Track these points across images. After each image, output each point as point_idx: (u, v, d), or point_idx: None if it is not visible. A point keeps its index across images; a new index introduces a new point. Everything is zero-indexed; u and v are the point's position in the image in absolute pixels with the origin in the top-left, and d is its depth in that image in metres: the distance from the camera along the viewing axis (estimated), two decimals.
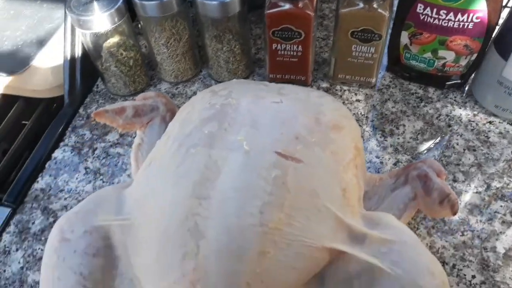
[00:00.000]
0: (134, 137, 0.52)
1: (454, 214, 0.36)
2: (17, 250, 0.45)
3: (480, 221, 0.44)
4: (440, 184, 0.39)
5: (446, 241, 0.43)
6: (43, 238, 0.46)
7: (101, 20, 0.48)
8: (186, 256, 0.30)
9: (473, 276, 0.41)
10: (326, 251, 0.32)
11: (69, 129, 0.55)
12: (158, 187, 0.34)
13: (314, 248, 0.31)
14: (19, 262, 0.44)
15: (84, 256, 0.34)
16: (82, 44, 0.55)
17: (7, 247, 0.46)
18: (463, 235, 0.43)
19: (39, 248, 0.45)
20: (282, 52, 0.52)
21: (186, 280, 0.29)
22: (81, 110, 0.57)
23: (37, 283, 0.43)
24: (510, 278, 0.40)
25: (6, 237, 0.46)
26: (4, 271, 0.44)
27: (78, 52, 0.55)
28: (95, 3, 0.48)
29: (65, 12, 0.52)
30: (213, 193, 0.31)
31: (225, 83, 0.43)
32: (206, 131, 0.35)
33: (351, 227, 0.33)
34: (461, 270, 0.41)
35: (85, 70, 0.57)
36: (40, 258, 0.44)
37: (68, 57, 0.55)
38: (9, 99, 0.60)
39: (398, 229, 0.34)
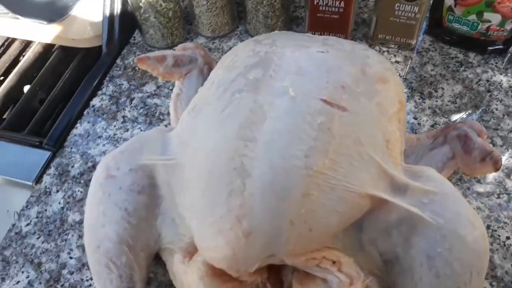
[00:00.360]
0: (171, 89, 0.53)
1: (497, 170, 0.36)
2: (57, 191, 0.47)
3: None
4: (481, 143, 0.39)
5: (482, 203, 0.43)
6: (82, 181, 0.47)
7: None
8: (232, 193, 0.30)
9: (508, 238, 0.41)
10: (368, 198, 0.32)
11: (107, 78, 0.55)
12: (203, 129, 0.35)
13: (356, 194, 0.31)
14: (59, 203, 0.46)
15: (129, 193, 0.35)
16: None
17: (48, 188, 0.47)
18: (498, 197, 0.43)
19: (78, 190, 0.47)
20: (324, 8, 0.51)
21: (232, 215, 0.30)
22: (118, 61, 0.57)
23: (77, 222, 0.44)
24: None
25: (46, 178, 0.48)
26: (46, 210, 0.45)
27: (118, 3, 0.56)
28: None
29: None
30: (259, 136, 0.32)
31: (268, 34, 0.43)
32: (251, 77, 0.36)
33: (393, 177, 0.33)
34: (495, 231, 0.41)
35: (123, 21, 0.57)
36: (80, 200, 0.46)
37: (108, 8, 0.55)
38: (48, 48, 0.61)
39: (440, 181, 0.34)
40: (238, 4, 0.58)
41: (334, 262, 0.32)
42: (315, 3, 0.51)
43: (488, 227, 0.42)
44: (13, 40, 0.63)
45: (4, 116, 0.58)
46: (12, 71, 0.60)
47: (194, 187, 0.33)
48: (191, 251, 0.35)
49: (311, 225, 0.30)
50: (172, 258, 0.36)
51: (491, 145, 0.38)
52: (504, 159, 0.46)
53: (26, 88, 0.60)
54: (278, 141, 0.31)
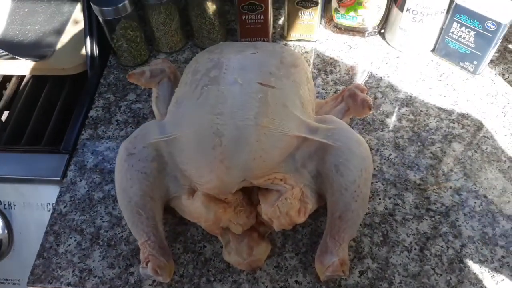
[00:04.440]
0: (147, 95, 0.71)
1: (370, 110, 0.58)
2: (80, 180, 0.64)
3: (394, 121, 0.67)
4: (362, 96, 0.61)
5: (371, 136, 0.65)
6: (97, 170, 0.65)
7: (118, 9, 0.66)
8: (214, 147, 0.50)
9: (390, 154, 0.64)
10: (295, 138, 0.52)
11: (96, 94, 0.73)
12: (187, 112, 0.54)
13: (288, 136, 0.52)
14: (84, 188, 0.63)
15: (145, 161, 0.53)
16: (98, 29, 0.72)
17: (73, 179, 0.64)
18: (382, 131, 0.66)
19: (96, 177, 0.64)
20: (249, 21, 0.72)
21: (217, 159, 0.49)
22: (102, 80, 0.75)
23: (101, 198, 0.62)
24: (413, 152, 0.63)
25: (70, 174, 0.65)
26: (76, 194, 0.63)
27: (95, 36, 0.73)
28: None
29: (84, 6, 0.70)
30: (225, 110, 0.51)
31: (216, 45, 0.62)
32: (212, 75, 0.55)
33: (308, 124, 0.54)
34: (382, 151, 0.64)
35: (100, 49, 0.74)
36: (99, 183, 0.63)
37: (88, 40, 0.72)
38: (40, 79, 0.77)
39: (338, 122, 0.55)
40: (187, 25, 0.77)
41: (281, 180, 0.52)
42: (243, 18, 0.71)
43: (377, 150, 0.64)
44: (10, 76, 0.79)
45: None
46: (13, 101, 0.75)
47: (188, 149, 0.52)
48: (191, 192, 0.54)
49: (264, 158, 0.50)
50: (180, 200, 0.54)
51: (368, 97, 0.60)
52: (384, 106, 0.69)
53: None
54: (237, 111, 0.51)
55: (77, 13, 0.80)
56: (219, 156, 0.49)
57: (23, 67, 0.74)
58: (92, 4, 0.67)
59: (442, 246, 0.55)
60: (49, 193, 0.65)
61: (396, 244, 0.55)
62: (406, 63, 0.74)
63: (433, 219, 0.57)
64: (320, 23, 0.77)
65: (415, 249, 0.55)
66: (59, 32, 0.77)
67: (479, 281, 0.52)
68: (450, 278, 0.52)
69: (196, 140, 0.51)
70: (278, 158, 0.52)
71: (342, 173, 0.51)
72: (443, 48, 0.73)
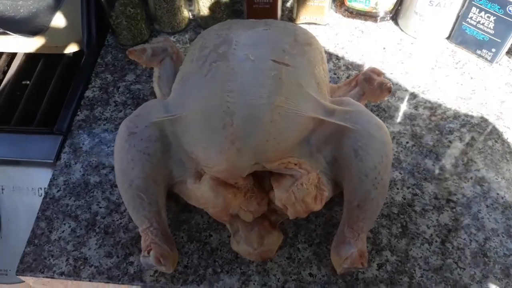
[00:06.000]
0: (148, 76, 0.67)
1: (390, 92, 0.55)
2: (75, 163, 0.59)
3: (410, 108, 0.63)
4: (379, 79, 0.57)
5: (387, 123, 0.62)
6: (94, 153, 0.60)
7: None
8: (225, 126, 0.46)
9: (407, 142, 0.60)
10: (311, 120, 0.49)
11: (93, 74, 0.68)
12: (193, 90, 0.50)
13: (303, 117, 0.48)
14: (79, 171, 0.59)
15: (148, 142, 0.49)
16: (96, 5, 0.68)
17: (67, 162, 0.59)
18: (398, 118, 0.63)
19: (92, 160, 0.59)
20: (258, 1, 0.68)
21: (228, 140, 0.45)
22: (99, 60, 0.70)
23: (98, 183, 0.57)
24: (431, 140, 0.60)
25: (64, 156, 0.60)
26: (70, 178, 0.58)
27: (93, 13, 0.68)
28: None
29: None
30: (235, 88, 0.47)
31: (223, 22, 0.58)
32: (220, 51, 0.51)
33: (325, 106, 0.50)
34: (399, 139, 0.60)
35: (98, 27, 0.70)
36: (96, 167, 0.59)
37: (85, 17, 0.68)
38: (33, 57, 0.72)
39: (355, 104, 0.52)
40: (190, 3, 0.73)
41: (295, 164, 0.48)
42: None
43: (393, 137, 0.60)
44: (1, 54, 0.74)
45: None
46: (3, 79, 0.71)
47: (196, 128, 0.48)
48: (198, 176, 0.50)
49: (278, 140, 0.46)
50: (185, 185, 0.50)
51: (386, 79, 0.56)
52: (399, 92, 0.65)
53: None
54: (249, 89, 0.47)
55: None
56: (229, 137, 0.45)
57: (14, 43, 0.69)
58: None
59: (464, 239, 0.51)
60: (41, 177, 0.60)
61: (416, 236, 0.52)
62: (421, 49, 0.71)
63: (454, 210, 0.54)
64: (331, 7, 0.74)
65: (436, 241, 0.51)
66: (54, 8, 0.72)
67: (506, 276, 0.48)
68: (474, 272, 0.49)
69: (205, 119, 0.47)
70: (293, 140, 0.48)
71: (362, 158, 0.48)
72: (459, 35, 0.70)
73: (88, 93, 0.66)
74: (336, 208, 0.54)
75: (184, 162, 0.51)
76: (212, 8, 0.69)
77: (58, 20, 0.71)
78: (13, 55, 0.74)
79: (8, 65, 0.73)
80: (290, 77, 0.49)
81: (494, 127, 0.61)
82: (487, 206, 0.54)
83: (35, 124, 0.64)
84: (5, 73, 0.72)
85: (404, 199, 0.55)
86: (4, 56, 0.73)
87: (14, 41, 0.69)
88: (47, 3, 0.74)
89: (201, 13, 0.71)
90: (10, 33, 0.67)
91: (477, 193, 0.55)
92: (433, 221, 0.53)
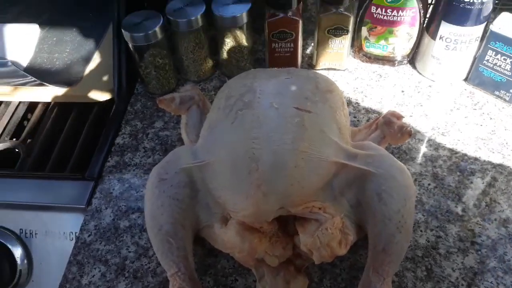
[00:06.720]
0: (176, 123, 0.70)
1: (410, 136, 0.56)
2: (106, 208, 0.62)
3: (430, 150, 0.64)
4: (399, 123, 0.59)
5: (408, 165, 0.63)
6: (123, 198, 0.62)
7: (148, 36, 0.66)
8: (250, 172, 0.47)
9: (429, 184, 0.61)
10: (333, 164, 0.50)
11: (123, 122, 0.72)
12: (220, 137, 0.52)
13: (326, 161, 0.49)
14: (110, 216, 0.61)
15: (177, 188, 0.51)
16: (126, 56, 0.72)
17: (98, 207, 0.62)
18: (419, 160, 0.63)
19: (122, 205, 0.62)
20: (279, 50, 0.71)
21: (254, 185, 0.47)
22: (129, 107, 0.74)
23: (127, 227, 0.59)
24: (453, 182, 0.60)
25: (95, 201, 0.63)
26: (101, 223, 0.60)
27: (123, 63, 0.72)
28: (144, 23, 0.66)
29: (114, 33, 0.70)
30: (261, 135, 0.49)
31: (247, 72, 0.61)
32: (246, 100, 0.54)
33: (347, 150, 0.52)
34: (421, 181, 0.61)
35: (128, 77, 0.74)
36: (125, 212, 0.61)
37: (116, 67, 0.72)
38: (66, 106, 0.76)
39: (377, 148, 0.53)
40: (215, 53, 0.76)
41: (320, 208, 0.50)
42: (272, 46, 0.71)
43: (415, 180, 0.61)
44: (37, 103, 0.78)
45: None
46: (39, 128, 0.75)
47: (223, 174, 0.50)
48: (225, 221, 0.51)
49: (303, 185, 0.48)
50: (212, 229, 0.52)
51: (406, 123, 0.58)
52: (419, 135, 0.67)
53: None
54: (273, 136, 0.49)
55: (104, 41, 0.80)
56: (255, 182, 0.47)
57: (49, 94, 0.74)
58: (123, 30, 0.66)
59: (491, 282, 0.51)
60: (72, 222, 0.63)
61: (441, 279, 0.52)
62: (439, 92, 0.72)
63: (479, 252, 0.54)
64: (349, 53, 0.77)
65: (462, 285, 0.51)
66: (87, 60, 0.77)
67: None
68: None
69: (231, 165, 0.49)
70: (316, 184, 0.49)
71: (385, 201, 0.48)
72: (476, 76, 0.71)
73: (119, 140, 0.69)
74: (361, 251, 0.54)
75: (211, 207, 0.52)
76: (235, 57, 0.73)
77: (90, 71, 0.76)
78: (48, 104, 0.78)
79: (44, 114, 0.77)
80: (312, 123, 0.51)
81: None
82: None
83: (68, 170, 0.67)
84: (40, 122, 0.76)
85: (428, 241, 0.55)
86: (40, 106, 0.78)
87: (49, 91, 0.74)
88: (81, 55, 0.78)
89: (225, 63, 0.74)
90: (46, 84, 0.71)
91: (502, 234, 0.55)
92: (458, 264, 0.53)
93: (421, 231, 0.56)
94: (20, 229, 0.64)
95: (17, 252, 0.64)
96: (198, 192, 0.52)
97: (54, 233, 0.64)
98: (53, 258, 0.64)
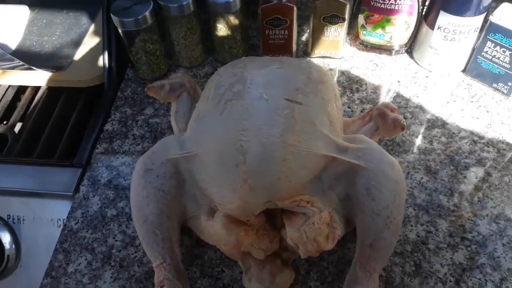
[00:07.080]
0: (166, 110, 0.69)
1: (403, 130, 0.55)
2: (93, 196, 0.61)
3: (424, 143, 0.63)
4: (393, 115, 0.57)
5: (401, 158, 0.62)
6: (111, 186, 0.62)
7: (138, 21, 0.64)
8: (238, 165, 0.46)
9: (421, 178, 0.60)
10: (323, 157, 0.49)
11: (113, 108, 0.70)
12: (209, 128, 0.51)
13: (315, 155, 0.48)
14: (97, 204, 0.60)
15: (163, 178, 0.50)
16: (116, 41, 0.70)
17: (85, 195, 0.61)
18: (412, 153, 0.62)
19: (110, 193, 0.61)
20: (273, 36, 0.69)
21: (241, 178, 0.46)
22: (119, 93, 0.72)
23: (115, 216, 0.59)
24: (446, 176, 0.59)
25: (82, 188, 0.62)
26: (88, 211, 0.59)
27: (113, 48, 0.71)
28: (134, 8, 0.64)
29: (104, 17, 0.68)
30: (249, 127, 0.48)
31: (239, 59, 0.60)
32: (235, 90, 0.52)
33: (337, 143, 0.51)
34: (413, 175, 0.60)
35: (118, 62, 0.72)
36: (113, 200, 0.60)
37: (106, 53, 0.70)
38: (56, 91, 0.75)
39: (368, 141, 0.52)
40: (208, 39, 0.75)
41: (308, 202, 0.49)
42: (266, 33, 0.69)
43: (408, 173, 0.60)
44: (25, 88, 0.77)
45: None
46: (27, 112, 0.73)
47: (210, 166, 0.49)
48: (211, 212, 0.50)
49: (290, 178, 0.47)
50: (199, 221, 0.51)
51: (400, 116, 0.57)
52: (413, 126, 0.65)
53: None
54: (262, 128, 0.48)
55: (95, 25, 0.78)
56: (242, 175, 0.46)
57: (38, 78, 0.72)
58: (112, 15, 0.65)
59: (479, 279, 0.50)
60: (60, 208, 0.62)
61: (429, 275, 0.51)
62: (436, 83, 0.71)
63: (469, 248, 0.53)
64: (346, 40, 0.75)
65: (450, 281, 0.50)
66: (77, 43, 0.76)
67: None
68: None
69: (218, 157, 0.48)
70: (305, 178, 0.48)
71: (374, 197, 0.48)
72: (474, 68, 0.70)
73: (108, 126, 0.68)
74: (349, 245, 0.54)
75: (198, 198, 0.52)
76: (228, 43, 0.71)
77: (80, 55, 0.74)
78: (37, 89, 0.77)
79: (33, 98, 0.75)
80: (303, 115, 0.50)
81: (511, 162, 0.61)
82: (504, 245, 0.53)
83: (57, 157, 0.66)
84: (29, 106, 0.75)
85: (418, 236, 0.54)
86: (29, 90, 0.76)
87: (38, 75, 0.72)
88: (71, 39, 0.77)
89: (218, 49, 0.73)
90: (35, 68, 0.70)
91: (493, 230, 0.54)
92: (447, 260, 0.52)
93: (411, 225, 0.55)
94: (8, 214, 0.64)
95: (5, 237, 0.64)
96: (184, 183, 0.51)
97: (41, 220, 0.63)
98: (41, 244, 0.63)
